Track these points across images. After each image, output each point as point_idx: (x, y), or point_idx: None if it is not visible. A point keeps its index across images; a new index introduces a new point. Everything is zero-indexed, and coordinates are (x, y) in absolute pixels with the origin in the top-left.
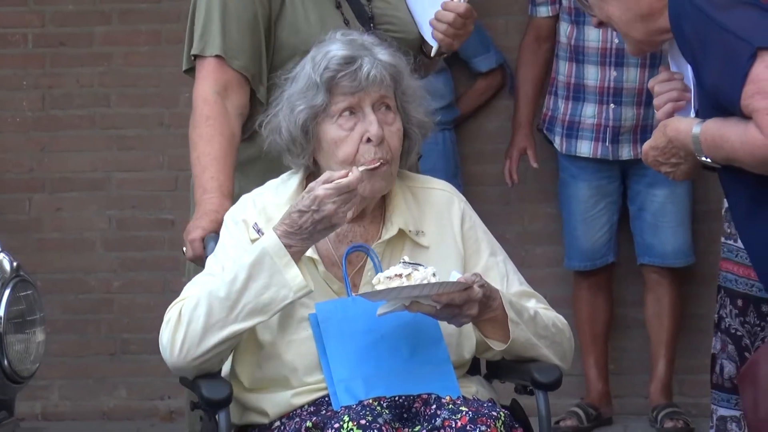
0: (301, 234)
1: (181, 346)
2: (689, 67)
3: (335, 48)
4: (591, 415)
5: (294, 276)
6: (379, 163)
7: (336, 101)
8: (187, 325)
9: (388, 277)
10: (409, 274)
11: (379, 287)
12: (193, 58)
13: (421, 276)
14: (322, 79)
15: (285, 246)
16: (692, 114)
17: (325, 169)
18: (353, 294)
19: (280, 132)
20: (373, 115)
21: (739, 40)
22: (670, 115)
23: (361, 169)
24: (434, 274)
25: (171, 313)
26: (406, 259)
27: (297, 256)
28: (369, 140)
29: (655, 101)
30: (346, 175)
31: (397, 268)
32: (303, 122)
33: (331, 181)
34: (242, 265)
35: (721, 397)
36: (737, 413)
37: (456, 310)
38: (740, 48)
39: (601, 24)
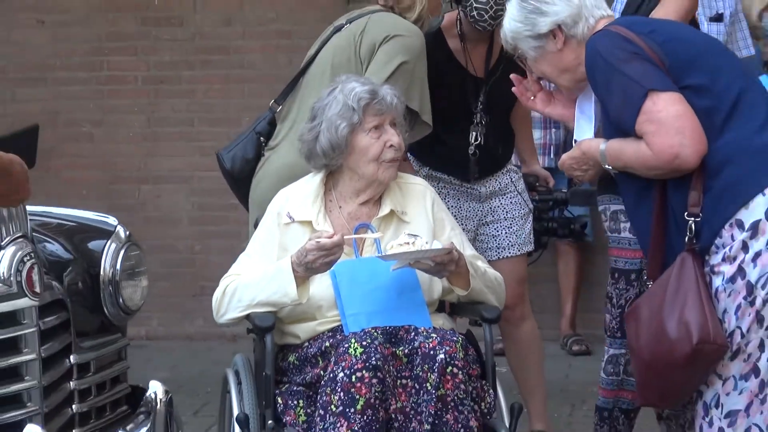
0: (300, 266)
1: (219, 312)
2: (588, 107)
3: (358, 85)
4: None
5: (293, 290)
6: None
7: (368, 120)
8: (227, 303)
9: (399, 244)
10: (414, 242)
11: (392, 251)
12: None
13: (420, 243)
14: (359, 105)
15: (293, 269)
16: (592, 135)
17: (352, 169)
18: (360, 255)
19: (320, 141)
20: (392, 129)
21: (635, 83)
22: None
23: (346, 237)
24: (427, 242)
25: (221, 286)
26: (407, 231)
27: (300, 278)
28: (391, 146)
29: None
30: (332, 236)
31: (404, 238)
32: (346, 134)
33: (317, 240)
34: (266, 273)
35: (610, 342)
36: (623, 351)
37: (442, 267)
38: (636, 89)
39: (539, 79)
